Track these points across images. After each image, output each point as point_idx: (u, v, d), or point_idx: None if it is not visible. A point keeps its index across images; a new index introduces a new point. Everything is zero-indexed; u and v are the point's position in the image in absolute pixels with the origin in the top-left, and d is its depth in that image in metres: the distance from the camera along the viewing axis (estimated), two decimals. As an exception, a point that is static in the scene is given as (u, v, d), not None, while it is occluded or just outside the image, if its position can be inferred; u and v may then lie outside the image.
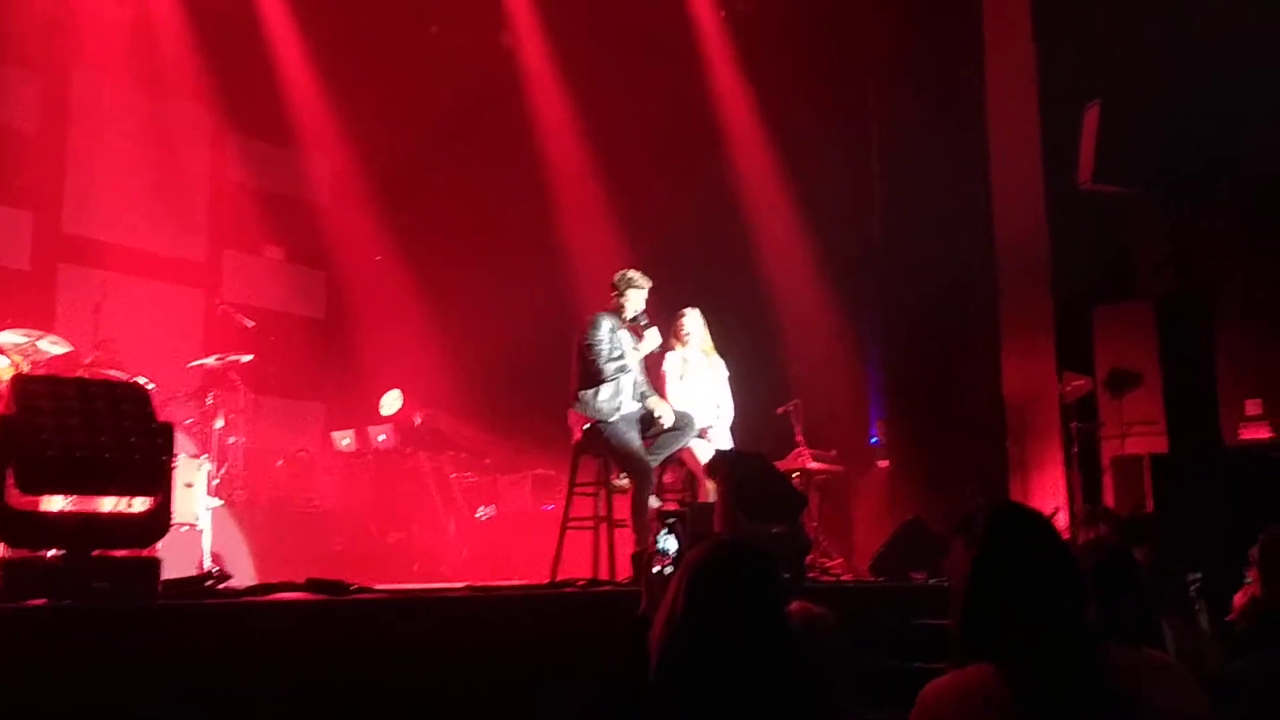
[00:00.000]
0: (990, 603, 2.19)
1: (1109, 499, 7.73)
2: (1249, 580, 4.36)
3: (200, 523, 7.47)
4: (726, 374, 7.49)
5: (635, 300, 6.82)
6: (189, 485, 7.39)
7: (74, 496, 4.99)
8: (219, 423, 8.44)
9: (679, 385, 7.30)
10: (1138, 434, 7.94)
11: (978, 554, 2.22)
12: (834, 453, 9.11)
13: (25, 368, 6.90)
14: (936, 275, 9.22)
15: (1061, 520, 7.45)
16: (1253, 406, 8.02)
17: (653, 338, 6.80)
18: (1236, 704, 2.99)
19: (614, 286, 6.87)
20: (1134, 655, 2.24)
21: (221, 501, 8.11)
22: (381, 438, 10.27)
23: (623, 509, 6.47)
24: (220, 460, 8.41)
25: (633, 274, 6.88)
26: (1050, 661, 2.10)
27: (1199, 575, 4.54)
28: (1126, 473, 7.69)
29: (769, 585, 2.44)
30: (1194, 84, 7.83)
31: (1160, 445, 7.82)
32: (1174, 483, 7.14)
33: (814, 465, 8.59)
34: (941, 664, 2.28)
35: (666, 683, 2.37)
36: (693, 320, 7.43)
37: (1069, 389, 8.12)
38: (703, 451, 7.00)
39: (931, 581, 6.88)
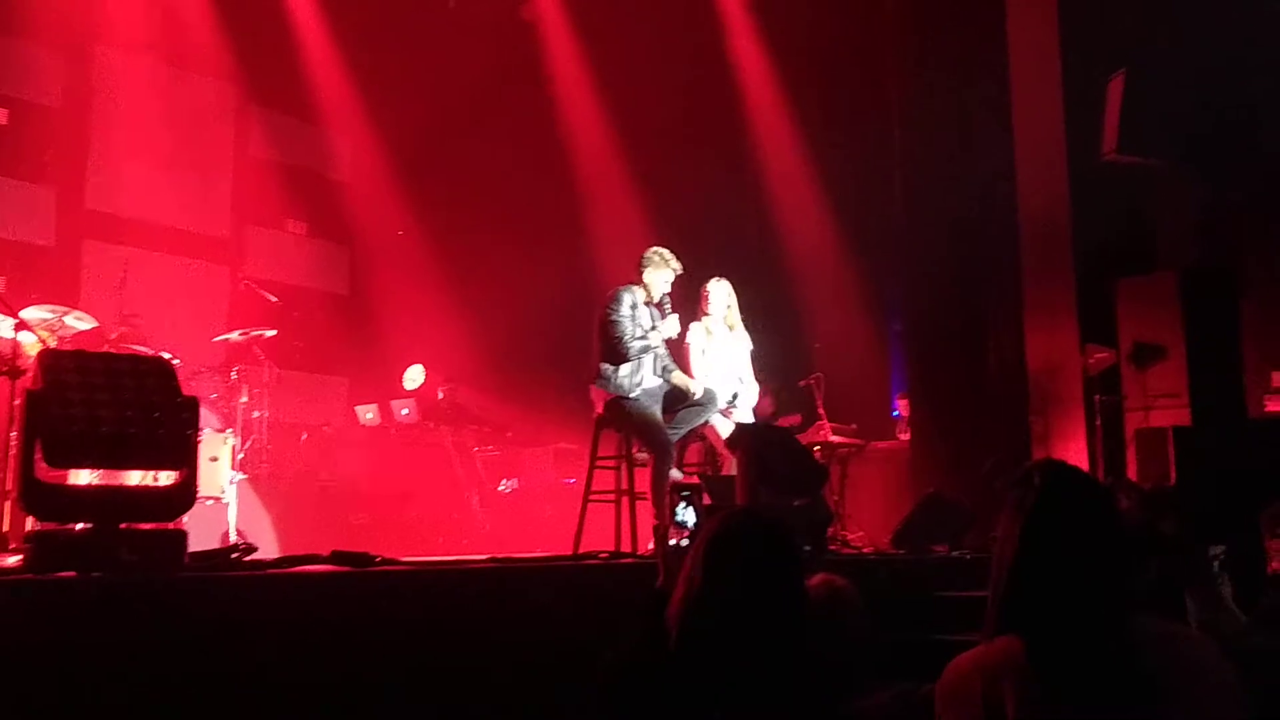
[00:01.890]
0: (1038, 569, 2.14)
1: (1132, 472, 7.70)
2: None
3: (225, 496, 7.54)
4: (750, 348, 7.46)
5: (662, 280, 6.80)
6: (214, 459, 7.46)
7: (101, 470, 5.05)
8: (243, 397, 8.49)
9: (701, 359, 7.29)
10: (1161, 406, 7.89)
11: (1030, 515, 2.16)
12: (855, 426, 9.11)
13: (51, 343, 6.95)
14: (958, 248, 9.15)
15: None
16: (1278, 378, 7.97)
17: (672, 324, 6.79)
18: (1258, 679, 2.98)
19: (644, 261, 6.84)
20: (1164, 627, 2.19)
21: (246, 475, 8.17)
22: (405, 412, 10.34)
23: (644, 482, 6.48)
24: (244, 434, 8.47)
25: (667, 254, 6.84)
26: (1083, 636, 2.08)
27: (1222, 548, 4.52)
28: (1150, 445, 7.64)
29: (784, 555, 2.45)
30: (1220, 54, 7.75)
31: (1184, 418, 7.77)
32: (1198, 455, 7.11)
33: (835, 438, 8.59)
34: (971, 636, 2.27)
35: (685, 655, 2.38)
36: (718, 290, 7.38)
37: (1092, 361, 8.07)
38: (724, 427, 7.00)
39: (953, 554, 6.88)
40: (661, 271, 6.79)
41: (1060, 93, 8.62)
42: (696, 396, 6.70)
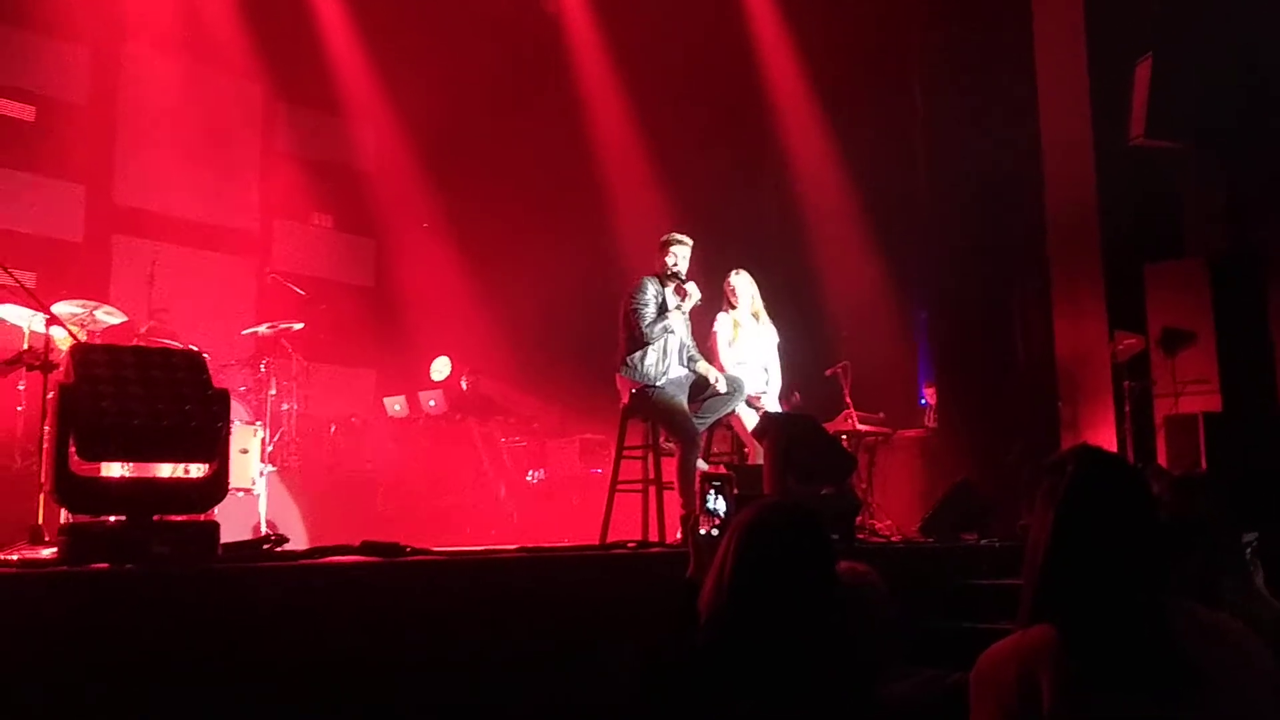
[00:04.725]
0: (1073, 557, 2.11)
1: (1162, 458, 7.66)
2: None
3: (255, 488, 7.59)
4: (777, 339, 7.46)
5: (678, 258, 6.80)
6: (244, 451, 7.51)
7: (133, 463, 5.09)
8: (272, 390, 8.54)
9: (728, 350, 7.29)
10: (1191, 393, 7.83)
11: (1063, 502, 2.14)
12: (882, 415, 9.08)
13: (82, 337, 7.01)
14: (985, 236, 9.12)
15: None
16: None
17: (694, 292, 6.77)
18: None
19: (659, 247, 6.87)
20: (1202, 615, 2.16)
21: (275, 467, 8.22)
22: (432, 403, 10.37)
23: (671, 472, 6.49)
24: (274, 427, 8.52)
25: (675, 234, 6.88)
26: (1120, 624, 2.05)
27: (1255, 535, 4.48)
28: (1180, 432, 7.60)
29: (818, 546, 2.45)
30: (1247, 36, 7.67)
31: (1214, 404, 7.71)
32: (1228, 441, 7.07)
33: (863, 427, 8.57)
34: (1001, 624, 2.25)
35: (715, 644, 2.39)
36: (742, 282, 7.40)
37: (1121, 348, 8.03)
38: (750, 417, 7.00)
39: (981, 542, 6.86)
40: (675, 248, 6.79)
41: (1086, 78, 8.56)
42: (720, 389, 6.70)
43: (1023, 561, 2.22)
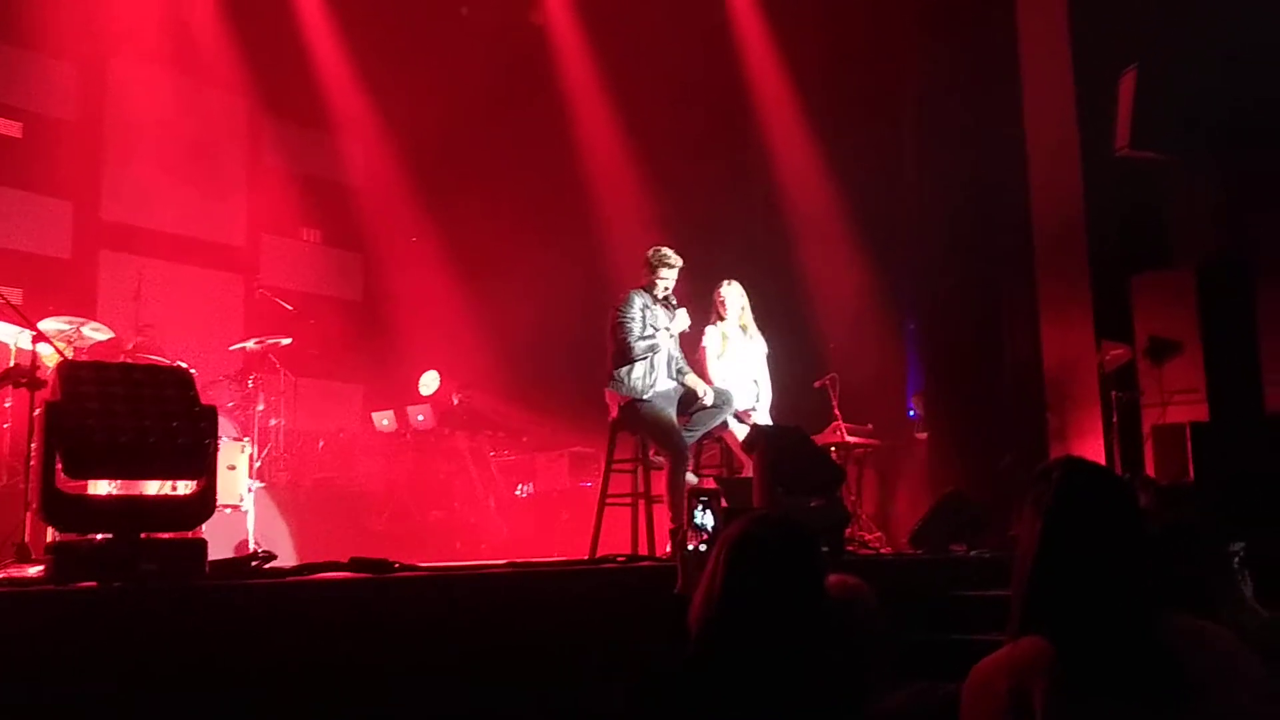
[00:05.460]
0: (1060, 567, 2.13)
1: (1150, 468, 7.67)
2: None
3: (243, 504, 7.56)
4: (766, 351, 7.46)
5: (667, 278, 6.82)
6: (231, 468, 7.48)
7: (120, 480, 5.07)
8: (260, 405, 8.53)
9: (717, 362, 7.28)
10: (1179, 402, 7.85)
11: (1050, 511, 2.16)
12: (871, 426, 9.08)
13: (69, 354, 6.98)
14: (972, 246, 9.14)
15: None
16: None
17: (681, 319, 6.80)
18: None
19: (647, 263, 6.87)
20: (1192, 624, 2.17)
21: (263, 483, 8.19)
22: (420, 418, 10.35)
23: (660, 485, 6.48)
24: (262, 442, 8.50)
25: (665, 251, 6.87)
26: (1110, 634, 2.06)
27: (1242, 544, 4.49)
28: (1167, 441, 7.61)
29: (808, 559, 2.45)
30: (1231, 45, 7.71)
31: (1202, 413, 7.73)
32: (1216, 451, 7.08)
33: (851, 439, 8.57)
34: (991, 635, 2.26)
35: (705, 658, 2.38)
36: (732, 293, 7.38)
37: (1108, 358, 8.05)
38: (742, 431, 6.99)
39: (971, 554, 6.86)
40: (663, 269, 6.80)
41: (1072, 89, 8.60)
42: (707, 402, 6.70)
43: (1012, 572, 2.23)
